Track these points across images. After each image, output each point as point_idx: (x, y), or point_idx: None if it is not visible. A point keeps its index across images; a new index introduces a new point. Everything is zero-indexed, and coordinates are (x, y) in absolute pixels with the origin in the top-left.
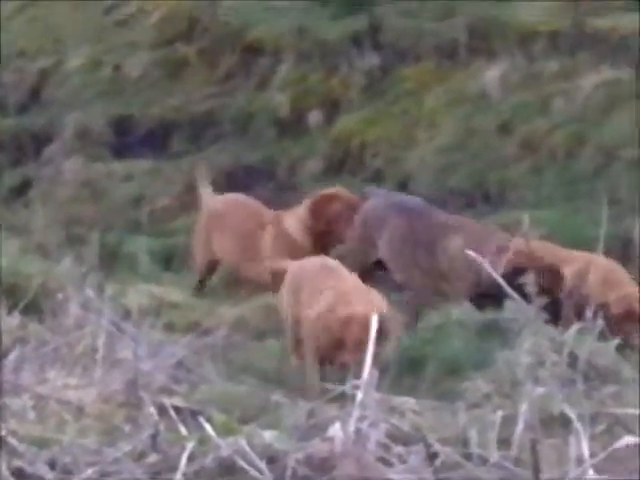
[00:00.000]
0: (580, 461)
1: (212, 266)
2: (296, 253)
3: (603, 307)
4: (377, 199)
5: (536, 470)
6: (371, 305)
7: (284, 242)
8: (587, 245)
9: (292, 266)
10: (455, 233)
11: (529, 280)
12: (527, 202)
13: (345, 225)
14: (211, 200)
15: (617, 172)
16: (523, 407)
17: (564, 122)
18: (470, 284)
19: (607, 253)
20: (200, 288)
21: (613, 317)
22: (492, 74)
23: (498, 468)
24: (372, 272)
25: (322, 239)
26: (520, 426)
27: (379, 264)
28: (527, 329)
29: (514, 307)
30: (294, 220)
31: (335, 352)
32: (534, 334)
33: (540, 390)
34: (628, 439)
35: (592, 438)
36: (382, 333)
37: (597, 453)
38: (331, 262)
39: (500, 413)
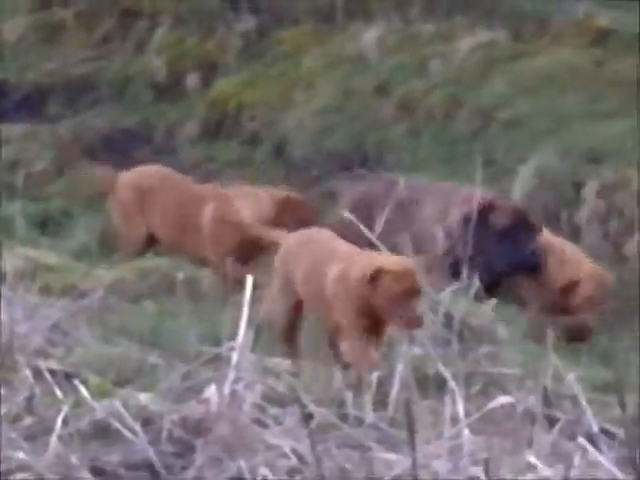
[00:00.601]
0: (455, 421)
1: (149, 243)
2: (241, 238)
3: (574, 285)
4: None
5: (411, 430)
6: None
7: (231, 225)
8: None
9: (287, 238)
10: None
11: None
12: (404, 164)
13: None
14: (134, 175)
15: (493, 133)
16: (399, 367)
17: (441, 84)
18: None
19: None
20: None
21: (583, 298)
22: (369, 36)
23: (374, 429)
24: None
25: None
26: (396, 387)
27: None
28: None
29: None
30: (250, 208)
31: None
32: None
33: (416, 350)
34: (502, 399)
35: (467, 398)
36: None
37: (473, 413)
38: (328, 232)
39: (375, 374)
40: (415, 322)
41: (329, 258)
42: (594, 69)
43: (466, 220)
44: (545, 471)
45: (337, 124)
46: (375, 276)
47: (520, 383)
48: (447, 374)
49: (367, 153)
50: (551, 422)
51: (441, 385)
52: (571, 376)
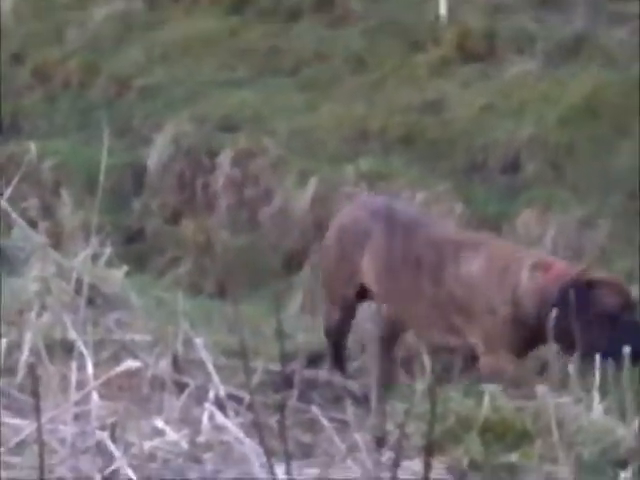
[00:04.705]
0: (83, 386)
1: None
2: None
3: None
4: (357, 206)
5: (36, 395)
6: None
7: None
8: None
9: None
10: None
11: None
12: (40, 131)
13: None
14: None
15: (129, 101)
16: (27, 334)
17: (77, 51)
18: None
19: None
20: None
21: None
22: (5, 3)
23: (2, 395)
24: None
25: None
26: (24, 353)
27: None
28: (34, 256)
29: (21, 233)
30: None
31: None
32: (41, 261)
33: (46, 317)
34: (130, 363)
35: (97, 364)
36: None
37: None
38: None
39: (4, 340)
40: None
41: None
42: (229, 38)
43: (562, 293)
44: (173, 435)
45: None
46: None
47: (151, 349)
48: (77, 339)
49: (2, 121)
50: (181, 387)
51: (71, 351)
52: (200, 341)
